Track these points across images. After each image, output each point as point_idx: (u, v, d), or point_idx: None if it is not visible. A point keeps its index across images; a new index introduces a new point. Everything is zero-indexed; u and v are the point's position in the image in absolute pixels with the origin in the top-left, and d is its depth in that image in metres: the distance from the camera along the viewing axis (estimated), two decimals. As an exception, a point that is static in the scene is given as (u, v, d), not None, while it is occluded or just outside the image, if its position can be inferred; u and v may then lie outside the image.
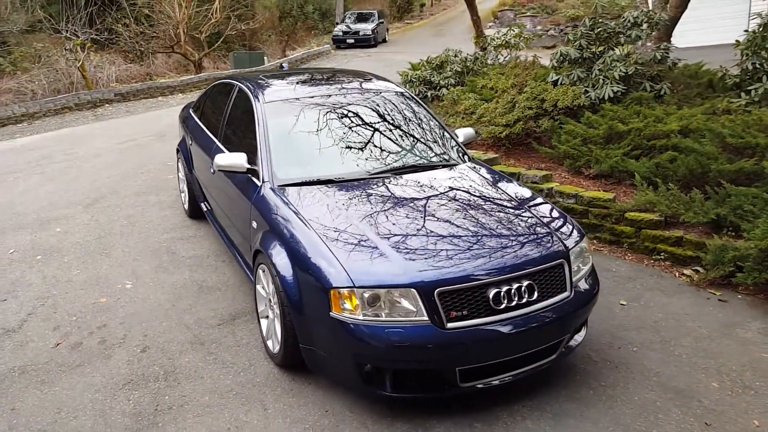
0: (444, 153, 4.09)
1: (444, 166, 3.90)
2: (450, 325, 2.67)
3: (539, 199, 3.62)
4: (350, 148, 3.85)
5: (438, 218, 3.17)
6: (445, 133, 4.28)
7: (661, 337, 3.66)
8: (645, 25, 7.07)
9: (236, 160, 3.68)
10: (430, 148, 4.09)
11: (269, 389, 3.15)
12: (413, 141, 4.10)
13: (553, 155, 6.51)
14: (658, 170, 5.37)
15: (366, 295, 2.68)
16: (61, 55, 15.67)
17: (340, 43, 23.58)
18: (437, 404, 2.98)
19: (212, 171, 4.29)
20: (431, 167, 3.85)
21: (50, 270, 4.66)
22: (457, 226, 3.10)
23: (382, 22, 25.43)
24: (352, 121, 4.03)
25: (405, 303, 2.69)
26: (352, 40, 23.39)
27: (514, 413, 2.94)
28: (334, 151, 3.82)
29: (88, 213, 5.95)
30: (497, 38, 9.41)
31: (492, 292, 2.73)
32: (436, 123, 4.35)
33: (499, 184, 3.72)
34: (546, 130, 6.84)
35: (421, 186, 3.55)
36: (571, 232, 3.27)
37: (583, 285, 3.13)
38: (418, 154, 4.00)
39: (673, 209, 4.80)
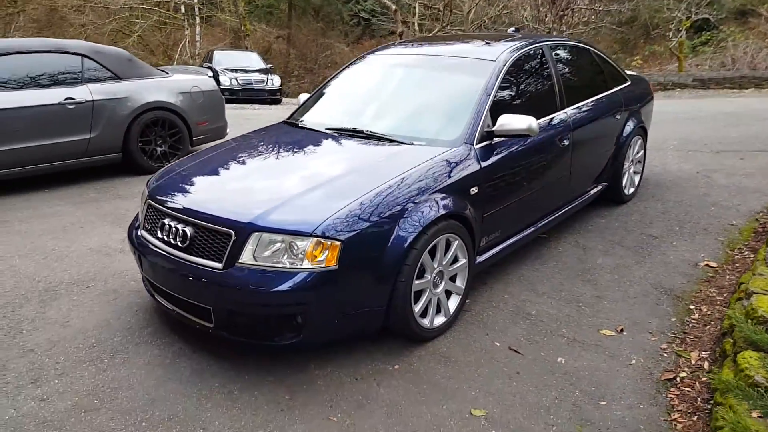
0: (436, 131, 3.47)
1: (417, 143, 3.35)
2: (139, 232, 3.12)
3: (426, 197, 2.90)
4: (347, 104, 4.07)
5: (280, 169, 3.32)
6: (476, 116, 3.45)
7: None
8: None
9: (302, 98, 4.35)
10: (425, 124, 3.58)
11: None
12: (416, 114, 3.73)
13: None
14: None
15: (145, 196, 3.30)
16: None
17: None
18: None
19: None
20: (393, 141, 3.41)
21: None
22: (272, 178, 3.18)
23: None
24: (390, 83, 4.05)
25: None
26: None
27: (167, 345, 2.96)
28: (337, 105, 4.12)
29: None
30: None
31: (161, 221, 2.95)
32: (479, 104, 3.49)
33: (410, 169, 3.02)
34: None
35: (335, 149, 3.52)
36: (327, 225, 2.58)
37: (262, 271, 2.58)
38: (399, 126, 3.62)
39: None
